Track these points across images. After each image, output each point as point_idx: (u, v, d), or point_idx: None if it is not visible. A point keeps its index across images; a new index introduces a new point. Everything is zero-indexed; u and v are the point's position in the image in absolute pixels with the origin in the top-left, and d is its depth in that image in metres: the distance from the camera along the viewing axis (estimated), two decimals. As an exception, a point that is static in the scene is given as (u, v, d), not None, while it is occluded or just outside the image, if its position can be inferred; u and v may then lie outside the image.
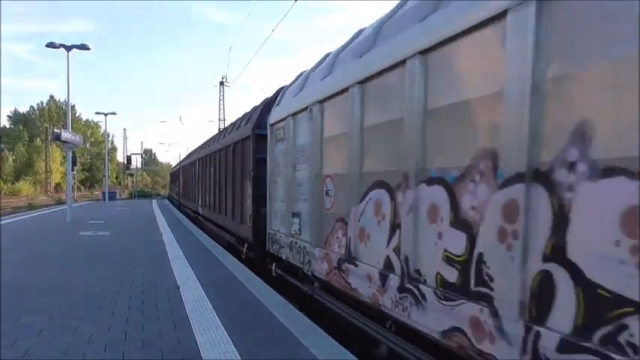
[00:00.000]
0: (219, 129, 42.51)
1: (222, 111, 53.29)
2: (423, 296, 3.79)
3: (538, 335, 2.70)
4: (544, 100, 2.76)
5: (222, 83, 53.08)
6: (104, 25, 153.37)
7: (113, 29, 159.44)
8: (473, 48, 3.39)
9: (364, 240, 4.90)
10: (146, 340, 4.92)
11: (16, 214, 26.36)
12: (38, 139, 76.40)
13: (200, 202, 19.49)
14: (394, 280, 4.22)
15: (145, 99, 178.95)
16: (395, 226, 4.29)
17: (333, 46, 7.38)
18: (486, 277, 3.16)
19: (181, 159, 24.08)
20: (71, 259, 9.99)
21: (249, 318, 5.69)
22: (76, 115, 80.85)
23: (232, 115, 73.57)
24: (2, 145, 70.65)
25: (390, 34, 4.65)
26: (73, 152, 22.81)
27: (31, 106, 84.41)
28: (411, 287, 3.96)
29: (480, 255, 3.23)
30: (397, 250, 4.22)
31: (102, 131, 79.59)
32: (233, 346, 4.68)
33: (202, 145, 21.92)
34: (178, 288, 7.24)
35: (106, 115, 43.34)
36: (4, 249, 10.99)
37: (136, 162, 70.78)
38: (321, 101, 6.09)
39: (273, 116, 8.39)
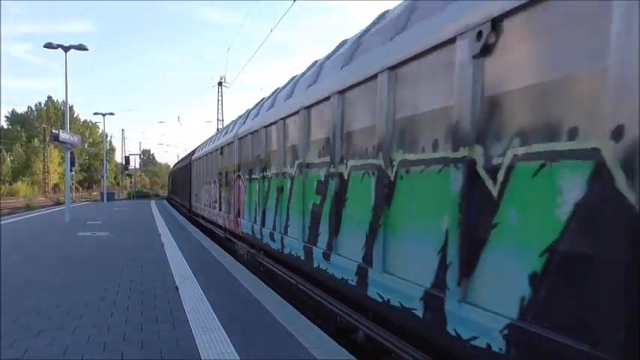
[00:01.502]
0: (217, 129, 42.46)
1: (220, 112, 53.28)
2: None
3: None
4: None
5: (220, 84, 53.08)
6: (102, 26, 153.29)
7: (111, 30, 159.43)
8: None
9: None
10: (145, 340, 4.91)
11: (15, 214, 26.31)
12: (36, 139, 76.30)
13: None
14: None
15: (143, 100, 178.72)
16: None
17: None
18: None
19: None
20: (70, 260, 9.97)
21: (248, 318, 5.69)
22: (74, 115, 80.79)
23: (231, 116, 73.51)
24: (0, 146, 70.49)
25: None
26: (72, 153, 22.77)
27: (29, 107, 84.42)
28: None
29: None
30: None
31: (100, 132, 79.80)
32: (232, 346, 4.68)
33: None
34: (177, 288, 7.24)
35: (104, 115, 43.38)
36: (3, 250, 10.97)
37: (135, 162, 70.86)
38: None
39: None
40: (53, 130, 21.91)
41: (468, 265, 3.27)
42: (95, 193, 67.64)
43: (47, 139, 66.44)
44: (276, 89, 10.16)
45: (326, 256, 5.76)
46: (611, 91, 2.31)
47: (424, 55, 3.92)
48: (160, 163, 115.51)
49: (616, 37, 2.30)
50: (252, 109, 11.81)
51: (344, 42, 6.93)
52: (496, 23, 3.07)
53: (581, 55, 2.54)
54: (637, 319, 2.14)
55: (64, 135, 20.45)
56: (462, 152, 3.32)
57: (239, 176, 11.33)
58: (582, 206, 2.46)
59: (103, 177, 49.32)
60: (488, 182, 3.10)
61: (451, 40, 3.50)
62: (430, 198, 3.76)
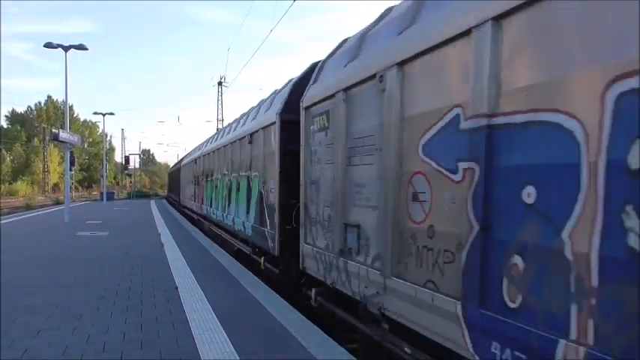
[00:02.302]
0: (217, 129, 42.51)
1: (220, 111, 53.31)
2: None
3: None
4: None
5: (220, 83, 53.09)
6: (102, 26, 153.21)
7: (111, 29, 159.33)
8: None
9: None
10: (145, 340, 4.91)
11: (14, 214, 26.30)
12: (36, 139, 76.30)
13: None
14: None
15: (143, 99, 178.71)
16: None
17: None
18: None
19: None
20: (69, 260, 9.97)
21: (248, 318, 5.69)
22: (74, 115, 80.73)
23: (230, 116, 73.57)
24: (0, 146, 70.48)
25: None
26: (71, 152, 22.78)
27: (29, 106, 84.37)
28: None
29: None
30: None
31: (100, 131, 79.75)
32: (232, 346, 4.68)
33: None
34: (177, 288, 7.24)
35: (104, 115, 43.36)
36: (3, 249, 10.96)
37: (134, 162, 70.80)
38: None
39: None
40: (53, 130, 21.93)
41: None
42: (95, 193, 67.58)
43: (47, 138, 66.38)
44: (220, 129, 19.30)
45: (225, 216, 12.86)
46: None
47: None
48: (159, 163, 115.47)
49: None
50: (213, 136, 19.82)
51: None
52: None
53: None
54: None
55: (63, 134, 20.45)
56: None
57: (202, 179, 18.48)
58: None
59: (102, 176, 49.32)
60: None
61: None
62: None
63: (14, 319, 5.61)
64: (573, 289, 2.43)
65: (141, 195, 59.79)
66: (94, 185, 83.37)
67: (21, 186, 66.01)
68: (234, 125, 13.16)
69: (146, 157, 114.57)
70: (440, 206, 3.58)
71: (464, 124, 3.30)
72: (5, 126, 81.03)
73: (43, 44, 20.75)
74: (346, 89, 5.22)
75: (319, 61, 6.93)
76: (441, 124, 3.57)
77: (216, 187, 14.84)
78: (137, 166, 78.30)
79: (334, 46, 6.58)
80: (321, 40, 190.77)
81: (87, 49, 21.51)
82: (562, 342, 2.43)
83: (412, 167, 3.95)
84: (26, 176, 72.11)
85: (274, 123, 8.05)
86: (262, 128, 8.90)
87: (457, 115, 3.39)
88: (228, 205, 12.43)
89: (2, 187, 60.59)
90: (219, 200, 14.01)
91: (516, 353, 2.74)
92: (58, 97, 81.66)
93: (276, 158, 7.82)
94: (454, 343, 3.30)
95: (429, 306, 3.59)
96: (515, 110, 2.86)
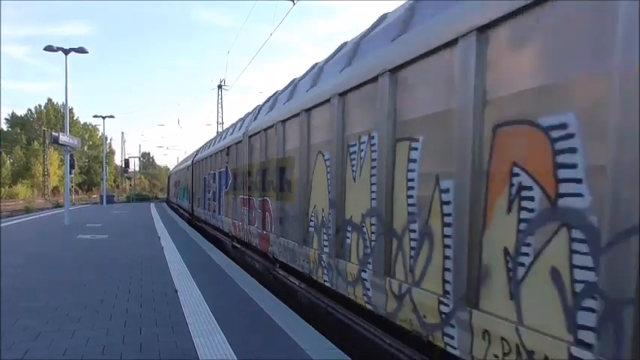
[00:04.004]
0: (217, 132, 42.52)
1: (220, 114, 53.33)
2: None
3: None
4: None
5: (220, 86, 53.10)
6: (102, 29, 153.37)
7: (111, 32, 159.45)
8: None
9: None
10: (144, 343, 4.93)
11: (14, 217, 26.31)
12: (36, 142, 76.30)
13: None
14: None
15: (143, 102, 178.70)
16: None
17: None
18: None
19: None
20: (69, 263, 9.98)
21: (247, 321, 5.71)
22: (74, 118, 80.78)
23: (230, 119, 73.59)
24: (0, 149, 70.51)
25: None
26: (71, 155, 22.79)
27: (29, 109, 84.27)
28: None
29: None
30: None
31: (100, 134, 79.77)
32: (231, 349, 4.70)
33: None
34: (176, 291, 7.25)
35: (104, 118, 43.33)
36: (3, 252, 10.97)
37: (134, 165, 70.88)
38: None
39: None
40: (53, 133, 21.88)
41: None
42: (95, 196, 67.64)
43: (47, 141, 66.50)
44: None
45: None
46: None
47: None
48: (159, 166, 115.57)
49: None
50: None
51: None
52: None
53: None
54: None
55: (63, 137, 20.47)
56: None
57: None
58: None
59: (102, 180, 49.33)
60: None
61: None
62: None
63: (14, 322, 5.63)
64: None
65: (141, 198, 59.79)
66: (93, 188, 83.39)
67: (21, 189, 65.97)
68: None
69: (146, 160, 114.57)
70: None
71: None
72: (5, 129, 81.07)
73: (43, 47, 20.79)
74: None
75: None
76: None
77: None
78: (137, 169, 78.39)
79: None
80: (323, 42, 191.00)
81: (87, 52, 21.54)
82: None
83: None
84: (26, 179, 72.08)
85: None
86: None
87: None
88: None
89: (2, 190, 60.58)
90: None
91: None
92: (58, 99, 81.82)
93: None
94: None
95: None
96: None
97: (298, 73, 8.65)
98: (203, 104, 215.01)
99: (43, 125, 76.57)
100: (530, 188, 2.88)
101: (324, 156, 6.01)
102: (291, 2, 15.48)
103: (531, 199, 2.87)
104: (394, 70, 4.33)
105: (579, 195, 2.54)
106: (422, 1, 4.39)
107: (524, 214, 2.92)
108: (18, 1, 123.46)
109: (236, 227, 11.84)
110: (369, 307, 4.77)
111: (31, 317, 5.83)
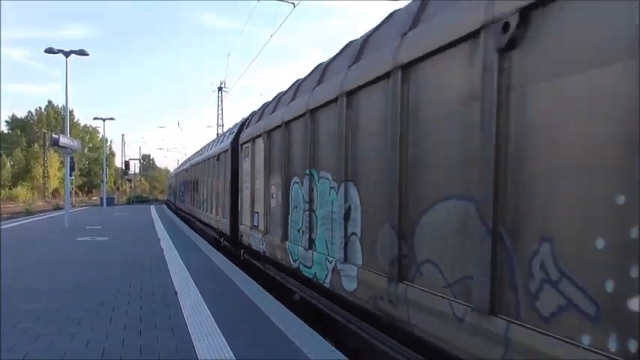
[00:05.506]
0: (217, 134, 42.59)
1: (220, 116, 53.37)
2: None
3: None
4: None
5: (220, 89, 53.17)
6: (103, 31, 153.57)
7: (112, 35, 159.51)
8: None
9: None
10: (144, 345, 4.92)
11: (14, 219, 26.31)
12: (36, 144, 76.40)
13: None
14: None
15: (143, 105, 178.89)
16: None
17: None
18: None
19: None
20: (69, 265, 9.99)
21: (246, 322, 5.71)
22: (75, 120, 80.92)
23: (230, 121, 73.65)
24: (0, 151, 70.57)
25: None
26: (72, 157, 22.81)
27: (29, 112, 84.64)
28: None
29: None
30: None
31: (100, 136, 79.87)
32: (231, 351, 4.70)
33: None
34: (176, 293, 7.25)
35: (104, 120, 43.45)
36: (2, 254, 10.97)
37: (134, 167, 70.93)
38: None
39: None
40: (53, 135, 21.89)
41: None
42: (95, 198, 67.68)
43: (47, 143, 66.49)
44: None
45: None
46: None
47: None
48: (159, 168, 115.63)
49: None
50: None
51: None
52: None
53: None
54: None
55: (64, 140, 20.48)
56: None
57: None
58: None
59: (102, 182, 49.34)
60: None
61: None
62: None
63: (14, 324, 5.63)
64: None
65: (141, 200, 59.80)
66: (94, 190, 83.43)
67: (21, 191, 66.09)
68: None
69: (146, 162, 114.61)
70: None
71: None
72: (5, 131, 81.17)
73: (43, 49, 20.83)
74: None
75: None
76: None
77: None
78: (137, 171, 78.42)
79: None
80: (323, 44, 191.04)
81: (87, 54, 21.59)
82: None
83: None
84: (26, 181, 72.18)
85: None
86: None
87: None
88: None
89: (2, 192, 60.62)
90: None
91: None
92: (59, 102, 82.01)
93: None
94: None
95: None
96: None
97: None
98: (203, 106, 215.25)
99: (44, 127, 76.70)
100: None
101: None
102: (292, 4, 15.53)
103: None
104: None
105: None
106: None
107: None
108: (19, 1, 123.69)
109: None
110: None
111: (32, 319, 5.82)
